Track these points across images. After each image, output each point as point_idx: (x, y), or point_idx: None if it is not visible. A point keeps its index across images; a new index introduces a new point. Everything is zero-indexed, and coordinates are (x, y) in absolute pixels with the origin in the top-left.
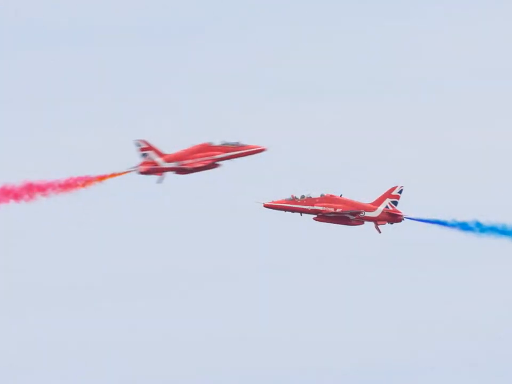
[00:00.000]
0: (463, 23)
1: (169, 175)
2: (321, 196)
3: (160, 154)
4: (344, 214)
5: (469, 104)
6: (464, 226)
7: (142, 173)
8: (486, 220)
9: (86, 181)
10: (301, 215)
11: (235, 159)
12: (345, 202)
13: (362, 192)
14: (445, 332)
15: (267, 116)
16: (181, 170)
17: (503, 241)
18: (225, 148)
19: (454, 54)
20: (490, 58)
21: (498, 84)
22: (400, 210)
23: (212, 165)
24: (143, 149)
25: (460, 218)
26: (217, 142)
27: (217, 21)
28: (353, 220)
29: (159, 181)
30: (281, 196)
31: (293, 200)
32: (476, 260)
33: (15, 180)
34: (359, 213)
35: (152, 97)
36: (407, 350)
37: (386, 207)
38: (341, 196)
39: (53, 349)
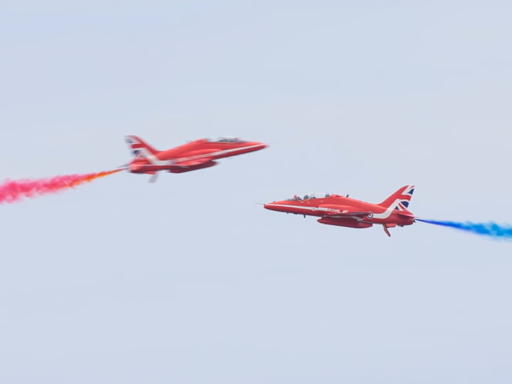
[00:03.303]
0: (464, 20)
1: (163, 173)
2: (326, 196)
3: (153, 151)
4: (351, 216)
5: (477, 101)
6: (479, 229)
7: (134, 171)
8: (503, 221)
9: (74, 180)
10: (305, 216)
11: (234, 156)
12: (352, 203)
13: (370, 193)
14: (456, 333)
15: (268, 114)
16: (175, 169)
17: None
18: (223, 144)
19: (456, 52)
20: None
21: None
22: (411, 212)
23: (209, 163)
24: (134, 146)
25: (475, 220)
26: (214, 138)
27: (216, 17)
28: (360, 222)
29: (152, 180)
30: (283, 196)
31: (296, 200)
32: (492, 264)
33: None
34: (367, 214)
35: (145, 92)
36: (414, 353)
37: (396, 208)
38: (347, 196)
39: (52, 349)
